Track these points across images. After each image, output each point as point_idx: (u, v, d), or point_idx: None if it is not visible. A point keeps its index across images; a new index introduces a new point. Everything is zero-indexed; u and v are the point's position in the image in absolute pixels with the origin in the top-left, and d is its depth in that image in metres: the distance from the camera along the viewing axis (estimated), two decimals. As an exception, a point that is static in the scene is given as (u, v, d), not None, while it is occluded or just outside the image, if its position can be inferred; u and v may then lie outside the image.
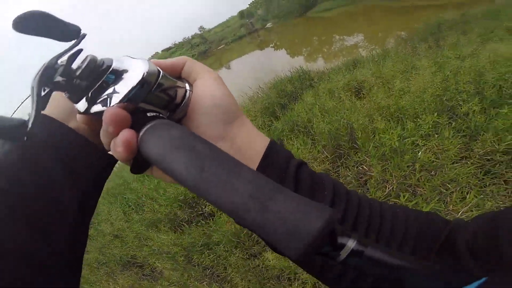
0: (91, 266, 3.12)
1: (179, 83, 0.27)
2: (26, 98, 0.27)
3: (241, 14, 35.77)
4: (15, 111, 0.30)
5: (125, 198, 3.42)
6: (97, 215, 3.65)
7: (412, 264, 0.18)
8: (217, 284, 1.99)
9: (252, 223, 0.17)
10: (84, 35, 0.24)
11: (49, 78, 0.22)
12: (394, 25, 9.68)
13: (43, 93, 0.22)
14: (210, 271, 2.10)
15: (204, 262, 2.10)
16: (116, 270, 2.73)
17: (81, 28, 0.24)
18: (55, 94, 0.28)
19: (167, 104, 0.26)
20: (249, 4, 34.90)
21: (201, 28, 44.21)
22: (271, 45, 18.86)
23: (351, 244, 0.17)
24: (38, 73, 0.22)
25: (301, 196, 0.18)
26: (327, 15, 19.21)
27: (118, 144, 0.21)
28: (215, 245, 2.13)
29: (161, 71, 0.25)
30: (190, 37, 40.89)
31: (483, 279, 0.17)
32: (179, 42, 42.35)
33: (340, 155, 2.16)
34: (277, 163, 0.27)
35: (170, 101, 0.26)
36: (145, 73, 0.23)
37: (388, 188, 1.71)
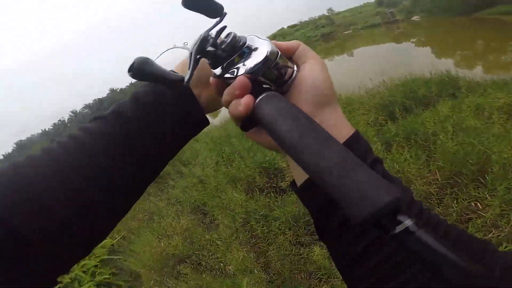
0: (170, 201, 3.36)
1: (289, 64, 0.32)
2: (164, 52, 0.37)
3: (380, 1, 32.06)
4: (157, 58, 0.36)
5: (222, 150, 3.64)
6: (195, 157, 4.10)
7: (457, 257, 0.18)
8: (254, 254, 2.02)
9: (332, 184, 0.20)
10: (226, 14, 0.31)
11: (203, 47, 0.29)
12: None
13: (196, 57, 0.29)
14: (255, 241, 2.14)
15: (256, 231, 2.13)
16: (185, 211, 2.96)
17: (223, 7, 0.30)
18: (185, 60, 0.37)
19: (277, 79, 0.30)
20: (393, -8, 30.82)
21: (329, 10, 42.65)
22: (412, 40, 16.12)
23: (407, 222, 0.18)
24: (196, 43, 0.29)
25: (378, 175, 0.20)
26: (506, 18, 14.80)
27: (241, 104, 0.27)
28: (272, 220, 2.12)
29: (279, 52, 0.30)
30: (316, 17, 40.05)
31: None
32: (304, 21, 42.23)
33: (454, 184, 1.78)
34: (356, 153, 0.27)
35: (280, 78, 0.31)
36: (268, 53, 0.28)
37: (495, 234, 1.46)
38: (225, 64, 0.30)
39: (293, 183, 0.33)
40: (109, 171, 0.29)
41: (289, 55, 0.33)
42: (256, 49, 0.29)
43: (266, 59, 0.28)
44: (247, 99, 0.27)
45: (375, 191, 0.19)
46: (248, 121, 0.30)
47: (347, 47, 19.91)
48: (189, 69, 0.28)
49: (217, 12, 0.30)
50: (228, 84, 0.29)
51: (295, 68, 0.32)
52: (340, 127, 0.29)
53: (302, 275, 1.76)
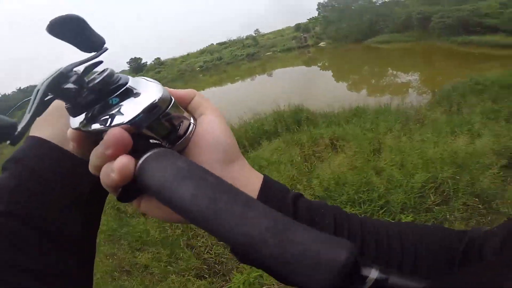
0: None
1: (185, 115, 0.27)
2: (23, 102, 0.26)
3: (298, 26, 36.04)
4: (10, 111, 0.26)
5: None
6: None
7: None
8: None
9: (270, 256, 0.16)
10: (106, 49, 0.24)
11: (58, 85, 0.21)
12: (455, 71, 9.00)
13: (46, 98, 0.21)
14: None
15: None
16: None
17: (105, 40, 0.24)
18: (50, 111, 0.26)
19: (169, 134, 0.24)
20: (308, 19, 35.04)
21: (256, 31, 45.66)
22: (318, 64, 18.49)
23: (374, 274, 0.17)
24: (50, 77, 0.21)
25: (316, 230, 0.17)
26: (385, 47, 18.50)
27: (113, 170, 0.19)
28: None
29: (173, 99, 0.24)
30: (244, 37, 42.62)
31: None
32: (233, 40, 43.94)
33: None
34: (274, 197, 0.26)
35: (173, 132, 0.25)
36: (159, 98, 0.22)
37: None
38: (92, 111, 0.22)
39: (232, 249, 0.26)
40: None
41: (183, 106, 0.28)
42: (139, 94, 0.23)
43: (155, 105, 0.22)
44: (123, 162, 0.19)
45: (325, 250, 0.16)
46: (129, 190, 0.21)
47: (268, 68, 21.48)
48: (28, 113, 0.20)
49: (94, 45, 0.23)
50: (97, 141, 0.21)
51: (192, 121, 0.27)
52: (251, 180, 0.27)
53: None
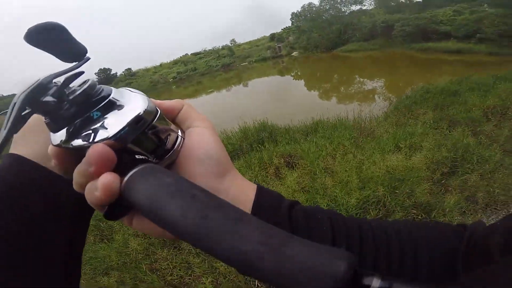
0: None
1: (172, 127, 0.25)
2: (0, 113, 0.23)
3: (272, 36, 36.71)
4: None
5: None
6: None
7: None
8: None
9: (267, 271, 0.16)
10: (88, 59, 0.23)
11: (36, 97, 0.19)
12: (416, 77, 9.63)
13: (23, 113, 0.19)
14: None
15: None
16: None
17: (87, 49, 0.23)
18: (29, 127, 0.26)
19: (156, 148, 0.23)
20: (282, 29, 35.84)
21: (232, 41, 45.43)
22: (292, 74, 18.94)
23: (376, 283, 0.16)
24: (27, 89, 0.19)
25: (313, 242, 0.17)
26: (353, 55, 19.36)
27: (98, 188, 0.19)
28: None
29: (159, 110, 0.23)
30: (220, 47, 42.49)
31: None
32: (208, 49, 43.65)
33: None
34: (269, 206, 0.26)
35: (160, 146, 0.23)
36: (144, 111, 0.21)
37: None
38: (73, 126, 0.20)
39: None
40: None
41: (171, 117, 0.27)
42: (122, 106, 0.21)
43: (139, 118, 0.21)
44: (107, 179, 0.18)
45: (323, 263, 0.15)
46: (115, 207, 0.20)
47: (244, 78, 21.62)
48: (4, 129, 0.19)
49: (75, 54, 0.22)
50: (80, 158, 0.20)
51: (180, 133, 0.26)
52: (245, 191, 0.26)
53: None
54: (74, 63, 0.22)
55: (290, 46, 28.64)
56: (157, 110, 0.23)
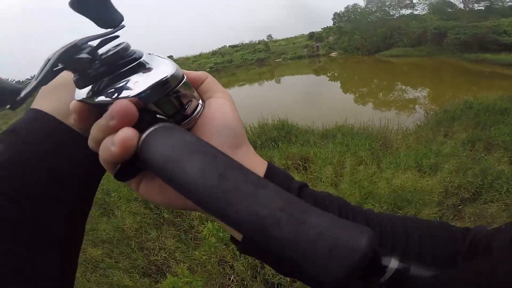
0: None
1: (195, 94, 0.26)
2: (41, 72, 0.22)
3: (311, 35, 35.85)
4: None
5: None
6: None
7: (455, 277, 0.17)
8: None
9: (282, 239, 0.15)
10: (123, 26, 0.24)
11: (70, 55, 0.20)
12: (463, 88, 8.82)
13: (55, 68, 0.20)
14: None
15: None
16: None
17: (124, 17, 0.24)
18: (55, 83, 0.26)
19: (176, 112, 0.23)
20: (322, 28, 34.80)
21: (269, 36, 45.59)
22: (328, 74, 18.29)
23: (394, 263, 0.15)
24: (63, 48, 0.20)
25: (334, 215, 0.16)
26: (396, 61, 18.22)
27: (115, 142, 0.18)
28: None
29: (185, 77, 0.24)
30: (256, 41, 43.00)
31: None
32: (245, 43, 44.28)
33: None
34: (279, 184, 0.24)
35: (180, 111, 0.24)
36: (170, 74, 0.22)
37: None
38: (100, 84, 0.21)
39: (232, 238, 0.27)
40: None
41: (195, 87, 0.27)
42: (152, 68, 0.22)
43: (166, 81, 0.21)
44: (126, 133, 0.18)
45: (344, 235, 0.14)
46: (128, 167, 0.20)
47: (276, 74, 21.43)
48: (35, 80, 0.19)
49: (112, 21, 0.23)
50: (100, 116, 0.20)
51: (201, 102, 0.26)
52: (256, 166, 0.26)
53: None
54: (110, 29, 0.23)
55: (329, 46, 27.71)
56: (183, 76, 0.24)
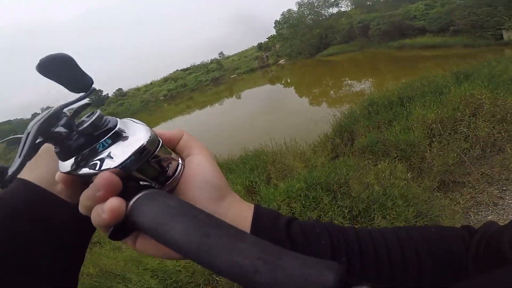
0: None
1: (173, 156, 0.28)
2: (10, 138, 0.27)
3: (260, 46, 36.25)
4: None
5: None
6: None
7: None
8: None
9: (263, 283, 0.17)
10: (94, 89, 0.25)
11: (49, 127, 0.22)
12: (399, 74, 9.71)
13: (36, 142, 0.21)
14: None
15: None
16: None
17: (93, 81, 0.25)
18: (43, 150, 0.27)
19: (159, 175, 0.26)
20: (267, 38, 35.40)
21: (221, 53, 44.80)
22: (282, 82, 19.35)
23: None
24: (41, 119, 0.21)
25: (304, 255, 0.18)
26: (335, 58, 19.61)
27: (104, 211, 0.21)
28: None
29: (161, 141, 0.26)
30: (208, 61, 41.89)
31: None
32: (197, 64, 43.05)
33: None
34: (266, 225, 0.28)
35: (162, 173, 0.26)
36: (147, 142, 0.23)
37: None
38: (81, 155, 0.22)
39: None
40: None
41: (172, 146, 0.29)
42: (127, 137, 0.23)
43: (144, 148, 0.22)
44: (113, 203, 0.20)
45: (314, 274, 0.16)
46: (120, 228, 0.21)
47: (235, 90, 21.79)
48: (19, 157, 0.20)
49: (82, 85, 0.24)
50: (87, 183, 0.22)
51: (180, 161, 0.28)
52: (243, 212, 0.28)
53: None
54: (81, 94, 0.24)
55: (277, 55, 28.80)
56: (159, 140, 0.25)
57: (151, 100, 33.78)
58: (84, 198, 0.22)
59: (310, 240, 0.27)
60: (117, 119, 0.25)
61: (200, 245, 0.18)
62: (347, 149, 3.36)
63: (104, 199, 0.21)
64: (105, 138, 0.22)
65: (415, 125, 3.02)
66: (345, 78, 13.04)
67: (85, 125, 0.22)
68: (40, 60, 0.21)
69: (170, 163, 0.27)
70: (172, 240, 0.19)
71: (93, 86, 0.24)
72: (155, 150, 0.24)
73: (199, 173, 0.27)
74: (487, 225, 0.28)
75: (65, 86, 0.23)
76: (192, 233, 0.19)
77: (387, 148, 2.81)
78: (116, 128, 0.23)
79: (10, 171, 0.20)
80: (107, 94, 43.11)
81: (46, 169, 0.28)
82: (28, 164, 0.24)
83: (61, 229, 0.28)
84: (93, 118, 0.22)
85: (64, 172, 0.23)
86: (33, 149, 0.21)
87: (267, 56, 30.37)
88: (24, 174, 0.28)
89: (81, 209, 0.23)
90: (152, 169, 0.24)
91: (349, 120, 3.98)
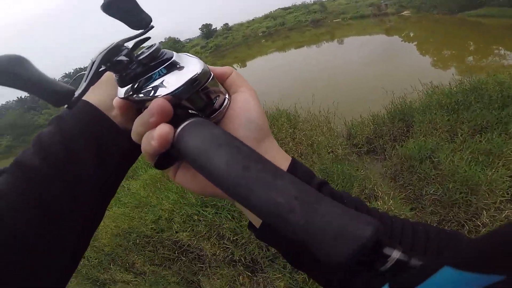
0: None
1: (222, 89, 0.28)
2: (78, 75, 0.28)
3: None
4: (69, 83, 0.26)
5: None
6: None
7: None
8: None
9: (296, 224, 0.17)
10: (152, 27, 0.26)
11: (111, 57, 0.23)
12: None
13: (100, 69, 0.23)
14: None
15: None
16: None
17: (152, 18, 0.26)
18: (105, 78, 0.29)
19: (206, 106, 0.26)
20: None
21: (328, -5, 41.90)
22: (403, 34, 16.34)
23: (396, 254, 0.17)
24: (104, 50, 0.23)
25: (345, 206, 0.17)
26: (487, 21, 15.45)
27: (154, 137, 0.21)
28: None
29: (212, 74, 0.26)
30: (311, 1, 39.89)
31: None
32: (298, 4, 42.58)
33: None
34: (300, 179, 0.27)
35: (209, 105, 0.26)
36: (199, 72, 0.24)
37: None
38: (138, 83, 0.24)
39: (250, 224, 0.29)
40: (23, 236, 0.24)
41: (221, 82, 0.29)
42: (183, 67, 0.24)
43: (196, 79, 0.23)
44: (163, 129, 0.21)
45: (351, 224, 0.16)
46: (166, 157, 0.23)
47: (337, 35, 19.86)
48: (84, 81, 0.22)
49: (142, 22, 0.25)
50: (140, 110, 0.24)
51: (227, 97, 0.28)
52: (279, 160, 0.27)
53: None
54: (140, 31, 0.26)
55: (400, 4, 24.49)
56: (210, 73, 0.25)
57: (251, 35, 35.75)
58: (138, 124, 0.24)
59: None
60: (174, 52, 0.26)
61: (239, 177, 0.18)
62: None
63: (155, 125, 0.21)
64: (160, 68, 0.24)
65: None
66: (499, 46, 9.96)
67: (143, 56, 0.23)
68: (105, 0, 0.22)
69: (218, 96, 0.27)
70: (214, 171, 0.19)
71: (151, 23, 0.26)
72: (206, 82, 0.25)
73: (243, 110, 0.27)
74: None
75: (127, 24, 0.25)
76: (233, 165, 0.19)
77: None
78: (172, 60, 0.24)
79: (76, 93, 0.22)
80: (216, 27, 49.04)
81: (107, 94, 0.30)
82: (92, 88, 0.26)
83: (109, 151, 0.29)
84: (152, 50, 0.24)
85: (121, 98, 0.25)
86: (96, 76, 0.23)
87: (386, 4, 26.01)
88: (88, 97, 0.30)
89: (133, 135, 0.24)
90: (201, 100, 0.25)
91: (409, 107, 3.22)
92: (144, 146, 0.22)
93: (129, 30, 0.26)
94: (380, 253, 0.16)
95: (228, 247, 2.02)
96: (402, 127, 3.09)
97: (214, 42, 36.92)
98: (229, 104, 0.28)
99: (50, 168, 0.26)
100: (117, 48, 0.23)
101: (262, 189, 0.18)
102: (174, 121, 0.22)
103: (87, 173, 0.28)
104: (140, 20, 0.25)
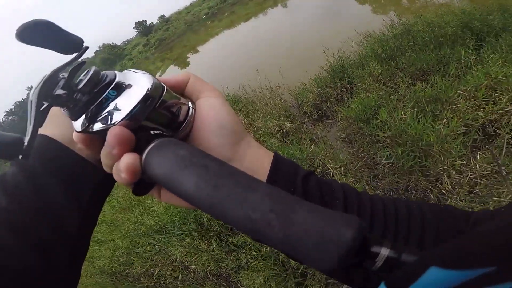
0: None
1: (182, 100, 0.26)
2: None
3: None
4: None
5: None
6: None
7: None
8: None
9: (276, 239, 0.16)
10: (87, 48, 0.24)
11: (49, 92, 0.21)
12: None
13: (41, 108, 0.21)
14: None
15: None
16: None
17: (83, 40, 0.24)
18: (56, 112, 0.28)
19: (170, 122, 0.25)
20: None
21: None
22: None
23: (385, 251, 0.16)
24: (37, 86, 0.21)
25: (322, 207, 0.17)
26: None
27: (121, 170, 0.20)
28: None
29: (165, 86, 0.24)
30: None
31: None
32: None
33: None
34: (284, 176, 0.26)
35: (173, 119, 0.25)
36: (150, 88, 0.22)
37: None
38: (90, 112, 0.22)
39: None
40: None
41: (180, 91, 0.27)
42: (130, 86, 0.23)
43: (148, 96, 0.22)
44: (128, 160, 0.20)
45: (331, 229, 0.15)
46: (143, 183, 0.22)
47: (279, -1, 19.65)
48: (30, 124, 0.20)
49: (72, 46, 0.23)
50: (103, 140, 0.22)
51: (190, 105, 0.27)
52: (260, 159, 0.26)
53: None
54: (74, 54, 0.23)
55: None
56: (163, 86, 0.24)
57: (194, 20, 34.08)
58: (103, 157, 0.22)
59: (325, 198, 0.26)
60: (116, 72, 0.24)
61: (211, 198, 0.18)
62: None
63: (119, 157, 0.21)
64: (108, 90, 0.22)
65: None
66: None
67: (83, 83, 0.22)
68: (18, 29, 0.20)
69: (180, 107, 0.25)
70: (185, 194, 0.19)
71: (84, 44, 0.24)
72: (161, 96, 0.23)
73: (211, 117, 0.26)
74: (482, 211, 0.27)
75: (55, 50, 0.23)
76: (202, 185, 0.18)
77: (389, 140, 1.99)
78: (116, 80, 0.23)
79: (26, 140, 0.20)
80: (152, 22, 46.70)
81: (64, 126, 0.28)
82: (50, 121, 0.26)
83: (81, 188, 0.28)
84: (89, 75, 0.22)
85: (79, 132, 0.23)
86: (41, 115, 0.21)
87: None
88: (47, 131, 0.28)
89: (105, 167, 0.23)
90: (161, 116, 0.24)
91: (346, 62, 3.12)
92: (116, 178, 0.22)
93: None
94: (367, 253, 0.16)
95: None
96: (346, 85, 2.99)
97: (156, 37, 35.22)
98: (194, 113, 0.26)
99: (20, 209, 0.24)
100: (51, 80, 0.21)
101: (236, 206, 0.17)
102: (138, 147, 0.21)
103: (61, 214, 0.26)
104: (69, 44, 0.23)
